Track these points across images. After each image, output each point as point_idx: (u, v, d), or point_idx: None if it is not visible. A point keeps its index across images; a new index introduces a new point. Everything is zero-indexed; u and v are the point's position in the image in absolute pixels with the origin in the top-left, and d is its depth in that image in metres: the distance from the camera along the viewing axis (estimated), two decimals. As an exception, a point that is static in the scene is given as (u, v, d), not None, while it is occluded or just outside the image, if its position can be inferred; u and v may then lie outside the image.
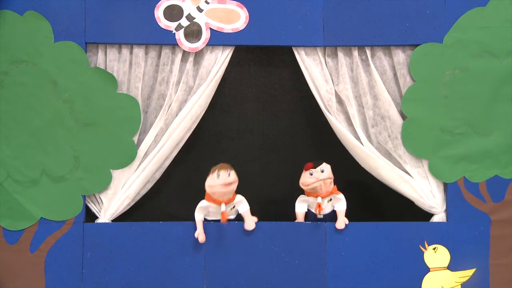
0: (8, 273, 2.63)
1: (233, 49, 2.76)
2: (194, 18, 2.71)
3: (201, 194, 2.64)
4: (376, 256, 2.67)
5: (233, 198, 2.64)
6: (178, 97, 2.74)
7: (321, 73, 2.78)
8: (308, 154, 2.79)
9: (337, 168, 2.73)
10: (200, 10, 2.72)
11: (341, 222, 2.66)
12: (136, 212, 2.88)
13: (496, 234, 2.67)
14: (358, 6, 2.72)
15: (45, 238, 2.64)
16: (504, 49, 2.68)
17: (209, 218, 2.68)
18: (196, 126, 2.81)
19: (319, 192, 2.65)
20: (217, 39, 2.71)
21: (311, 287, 2.66)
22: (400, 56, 2.75)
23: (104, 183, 2.70)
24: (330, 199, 2.70)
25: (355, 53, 2.76)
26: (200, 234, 2.62)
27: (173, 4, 2.71)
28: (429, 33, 2.70)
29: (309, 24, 2.71)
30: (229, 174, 2.55)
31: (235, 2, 2.72)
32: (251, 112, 3.11)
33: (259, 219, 2.70)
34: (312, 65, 2.77)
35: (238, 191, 2.65)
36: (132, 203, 2.78)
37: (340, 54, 2.78)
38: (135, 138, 2.72)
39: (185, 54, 2.75)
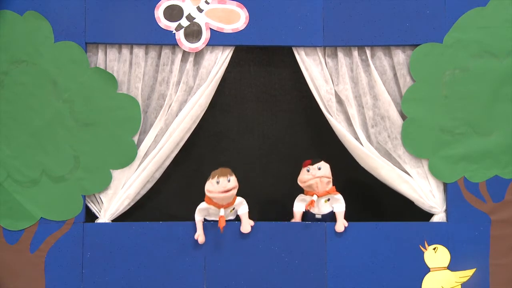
0: (8, 273, 2.63)
1: (233, 49, 2.76)
2: (194, 18, 2.71)
3: (201, 194, 2.63)
4: (376, 256, 2.67)
5: (233, 202, 2.63)
6: (178, 97, 2.74)
7: (321, 73, 2.78)
8: (308, 154, 2.79)
9: (337, 168, 2.73)
10: (200, 10, 2.72)
11: (340, 224, 2.66)
12: (136, 212, 2.88)
13: (496, 234, 2.67)
14: (358, 6, 2.72)
15: (45, 238, 2.64)
16: (504, 49, 2.69)
17: (209, 218, 2.68)
18: (196, 126, 2.81)
19: (315, 190, 2.65)
20: (217, 39, 2.71)
21: (311, 287, 2.66)
22: (400, 56, 2.75)
23: (104, 183, 2.70)
24: (328, 199, 2.70)
25: (355, 53, 2.76)
26: (200, 236, 2.62)
27: (173, 4, 2.71)
28: (429, 33, 2.70)
29: (309, 24, 2.71)
30: (229, 180, 2.53)
31: (235, 2, 2.72)
32: (251, 112, 3.11)
33: (259, 219, 2.70)
34: (312, 65, 2.77)
35: (238, 191, 2.65)
36: (132, 203, 2.78)
37: (340, 54, 2.78)
38: (135, 138, 2.72)
39: (185, 54, 2.75)
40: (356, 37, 2.72)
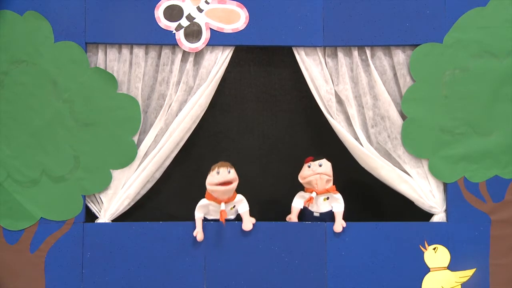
0: (8, 273, 2.63)
1: (233, 49, 2.76)
2: (194, 18, 2.71)
3: (201, 194, 2.64)
4: (376, 256, 2.67)
5: (233, 197, 2.64)
6: (178, 97, 2.74)
7: (321, 73, 2.78)
8: (308, 154, 2.79)
9: (337, 168, 2.73)
10: (200, 10, 2.72)
11: (338, 225, 2.66)
12: (136, 212, 2.88)
13: (496, 234, 2.67)
14: (358, 6, 2.72)
15: (45, 238, 2.64)
16: (504, 49, 2.68)
17: (209, 217, 2.68)
18: (196, 126, 2.81)
19: (314, 187, 2.65)
20: (217, 39, 2.71)
21: (311, 287, 2.66)
22: (400, 56, 2.75)
23: (104, 183, 2.70)
24: (327, 198, 2.71)
25: (355, 53, 2.76)
26: (199, 233, 2.62)
27: (173, 4, 2.71)
28: (429, 33, 2.70)
29: (309, 24, 2.71)
30: (229, 172, 2.55)
31: (235, 2, 2.72)
32: (251, 112, 3.11)
33: (259, 219, 2.70)
34: (312, 65, 2.77)
35: (238, 191, 2.66)
36: (132, 203, 2.78)
37: (340, 54, 2.78)
38: (135, 138, 2.72)
39: (185, 54, 2.75)
40: (356, 37, 2.72)
